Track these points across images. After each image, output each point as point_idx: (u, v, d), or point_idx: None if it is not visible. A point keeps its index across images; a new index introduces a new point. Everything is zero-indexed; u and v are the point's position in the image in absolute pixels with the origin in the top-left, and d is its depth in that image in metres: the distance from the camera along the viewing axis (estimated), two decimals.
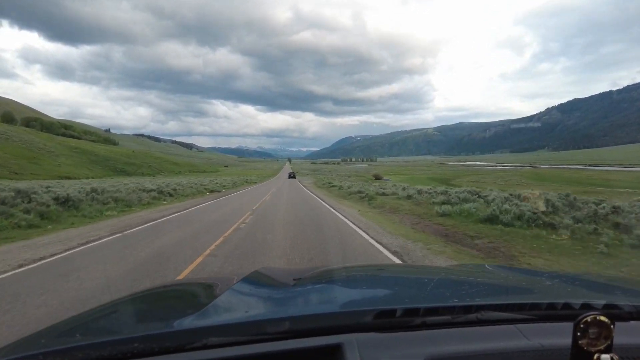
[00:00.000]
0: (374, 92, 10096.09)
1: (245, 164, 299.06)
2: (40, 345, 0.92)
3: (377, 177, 65.66)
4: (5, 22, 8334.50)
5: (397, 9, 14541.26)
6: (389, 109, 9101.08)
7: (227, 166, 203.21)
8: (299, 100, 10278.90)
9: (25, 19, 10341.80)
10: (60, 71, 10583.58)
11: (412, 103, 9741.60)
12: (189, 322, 1.00)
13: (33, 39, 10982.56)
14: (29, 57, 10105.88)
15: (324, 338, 0.90)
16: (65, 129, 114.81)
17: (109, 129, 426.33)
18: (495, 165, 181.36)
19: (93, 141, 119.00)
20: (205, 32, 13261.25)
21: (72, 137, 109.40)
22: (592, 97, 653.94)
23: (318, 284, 1.56)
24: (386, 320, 0.96)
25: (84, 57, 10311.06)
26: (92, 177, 57.80)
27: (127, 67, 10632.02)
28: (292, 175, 75.67)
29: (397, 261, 6.24)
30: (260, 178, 64.90)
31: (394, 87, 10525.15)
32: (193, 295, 1.58)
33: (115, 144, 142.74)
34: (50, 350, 0.85)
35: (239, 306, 1.24)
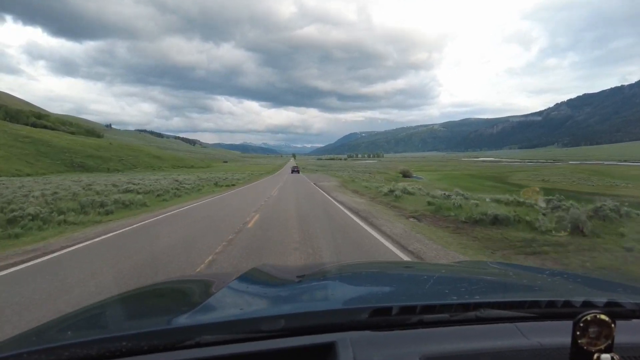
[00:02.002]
0: (379, 88, 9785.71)
1: (247, 159, 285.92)
2: (27, 344, 0.90)
3: (406, 174, 52.22)
4: (8, 18, 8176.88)
5: (403, 2, 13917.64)
6: (394, 104, 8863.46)
7: (226, 162, 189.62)
8: (303, 96, 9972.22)
9: (28, 14, 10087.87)
10: (65, 67, 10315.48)
11: (418, 99, 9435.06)
12: (181, 319, 0.99)
13: (37, 35, 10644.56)
14: (33, 53, 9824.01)
15: (317, 336, 0.89)
16: (37, 119, 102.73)
17: (110, 125, 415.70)
18: (521, 161, 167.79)
19: (72, 133, 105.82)
20: (209, 27, 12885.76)
21: (45, 127, 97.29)
22: (602, 92, 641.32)
23: (315, 282, 1.56)
24: (381, 318, 0.95)
25: (88, 52, 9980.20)
26: (28, 174, 45.05)
27: (130, 63, 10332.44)
28: (295, 170, 65.21)
29: None
30: (252, 176, 45.19)
31: (400, 83, 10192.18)
32: (188, 293, 1.56)
33: (99, 136, 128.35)
34: (35, 349, 0.83)
35: (234, 304, 1.22)
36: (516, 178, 50.14)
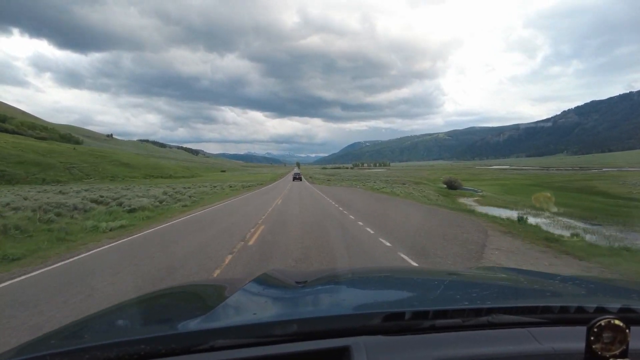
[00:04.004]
0: (383, 97, 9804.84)
1: (248, 168, 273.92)
2: (47, 346, 0.92)
3: (452, 186, 38.86)
4: (15, 31, 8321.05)
5: (407, 10, 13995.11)
6: (399, 114, 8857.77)
7: (224, 171, 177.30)
8: (307, 106, 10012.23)
9: (35, 27, 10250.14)
10: (70, 78, 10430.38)
11: (422, 108, 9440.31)
12: (196, 324, 1.00)
13: (43, 47, 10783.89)
14: (40, 65, 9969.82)
15: (331, 341, 0.89)
16: None
17: (112, 134, 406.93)
18: (546, 169, 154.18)
19: (42, 138, 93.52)
20: (213, 37, 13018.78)
21: (6, 131, 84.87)
22: (610, 99, 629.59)
23: (326, 286, 1.56)
24: (394, 323, 0.95)
25: (93, 64, 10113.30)
26: None
27: (135, 74, 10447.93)
28: (297, 177, 58.76)
29: None
30: (227, 192, 28.82)
31: (404, 92, 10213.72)
32: (201, 297, 1.58)
33: (78, 142, 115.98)
34: (56, 352, 0.85)
35: (247, 308, 1.23)
36: (611, 189, 36.56)
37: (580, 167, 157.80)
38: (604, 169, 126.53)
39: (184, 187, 31.67)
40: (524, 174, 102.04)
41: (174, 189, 29.32)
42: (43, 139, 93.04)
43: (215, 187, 35.38)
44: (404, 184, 41.65)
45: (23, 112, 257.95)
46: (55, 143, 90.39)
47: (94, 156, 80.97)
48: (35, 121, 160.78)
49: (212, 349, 0.86)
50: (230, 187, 36.26)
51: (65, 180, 55.09)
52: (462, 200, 26.46)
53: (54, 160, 64.20)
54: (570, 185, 41.84)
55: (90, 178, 60.62)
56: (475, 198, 28.97)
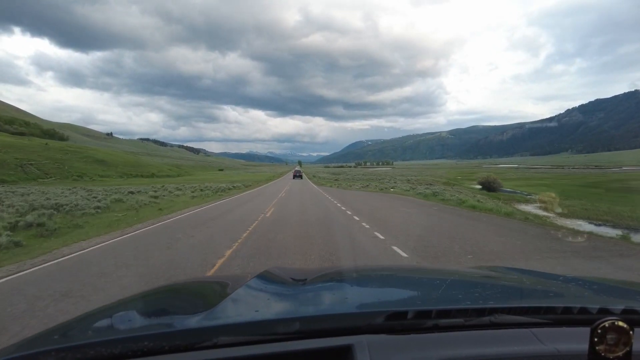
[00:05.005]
0: (385, 96, 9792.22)
1: (249, 167, 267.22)
2: (52, 342, 0.92)
3: (491, 187, 31.91)
4: (17, 30, 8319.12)
5: (409, 9, 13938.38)
6: (401, 112, 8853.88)
7: (221, 169, 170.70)
8: (309, 105, 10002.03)
9: (36, 26, 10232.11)
10: (72, 78, 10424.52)
11: (424, 107, 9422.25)
12: (199, 321, 1.00)
13: (44, 46, 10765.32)
14: (42, 64, 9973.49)
15: (334, 339, 0.89)
16: None
17: (111, 133, 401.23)
18: (565, 168, 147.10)
19: (20, 134, 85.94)
20: (215, 36, 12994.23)
21: None
22: (615, 97, 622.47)
23: (329, 284, 1.56)
24: (397, 322, 0.95)
25: (95, 63, 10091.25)
26: None
27: (137, 73, 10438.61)
28: (297, 175, 59.06)
29: None
30: (153, 210, 14.70)
31: (406, 91, 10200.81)
32: (204, 294, 1.57)
33: (63, 139, 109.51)
34: (62, 347, 0.85)
35: (249, 305, 1.23)
36: None
37: (595, 166, 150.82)
38: (623, 168, 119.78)
39: (132, 192, 23.60)
40: (549, 173, 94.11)
41: (107, 194, 21.57)
42: (21, 134, 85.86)
43: (179, 189, 26.92)
44: (430, 184, 34.79)
45: (17, 110, 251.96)
46: (27, 138, 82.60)
47: (63, 152, 72.13)
48: (32, 120, 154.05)
49: (215, 346, 0.86)
50: (201, 190, 26.24)
51: (14, 180, 46.74)
52: (527, 208, 19.61)
53: (8, 157, 55.58)
54: (633, 186, 34.79)
55: (51, 177, 52.32)
56: (538, 204, 22.06)
